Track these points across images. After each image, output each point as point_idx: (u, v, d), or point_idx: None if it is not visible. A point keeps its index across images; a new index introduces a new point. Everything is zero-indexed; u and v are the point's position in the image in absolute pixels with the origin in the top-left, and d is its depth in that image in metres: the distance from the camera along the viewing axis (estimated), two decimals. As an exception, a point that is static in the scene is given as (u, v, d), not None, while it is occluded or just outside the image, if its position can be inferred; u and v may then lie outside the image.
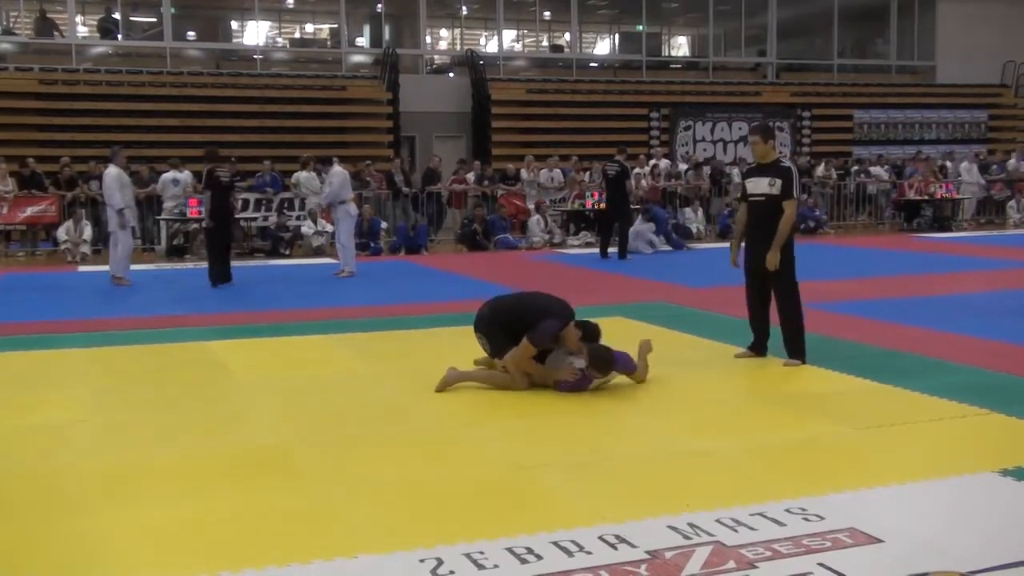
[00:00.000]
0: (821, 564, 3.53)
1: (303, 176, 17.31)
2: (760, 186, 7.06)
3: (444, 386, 6.26)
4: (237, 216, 14.08)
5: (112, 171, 12.36)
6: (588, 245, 17.39)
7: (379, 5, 24.84)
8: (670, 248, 16.57)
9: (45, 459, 5.02)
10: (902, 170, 22.12)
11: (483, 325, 6.48)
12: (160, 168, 17.21)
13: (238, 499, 4.34)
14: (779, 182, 6.96)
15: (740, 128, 24.10)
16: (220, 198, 12.25)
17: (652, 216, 16.58)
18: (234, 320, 9.53)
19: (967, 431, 5.35)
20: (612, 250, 15.36)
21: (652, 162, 20.66)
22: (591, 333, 6.20)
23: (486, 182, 19.08)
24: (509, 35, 27.99)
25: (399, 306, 10.46)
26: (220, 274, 12.14)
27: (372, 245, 16.52)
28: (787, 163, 7.32)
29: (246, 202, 16.76)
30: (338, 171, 13.28)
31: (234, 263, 13.02)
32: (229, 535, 3.92)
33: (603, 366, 6.09)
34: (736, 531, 3.84)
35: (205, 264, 14.89)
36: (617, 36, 29.51)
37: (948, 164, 22.24)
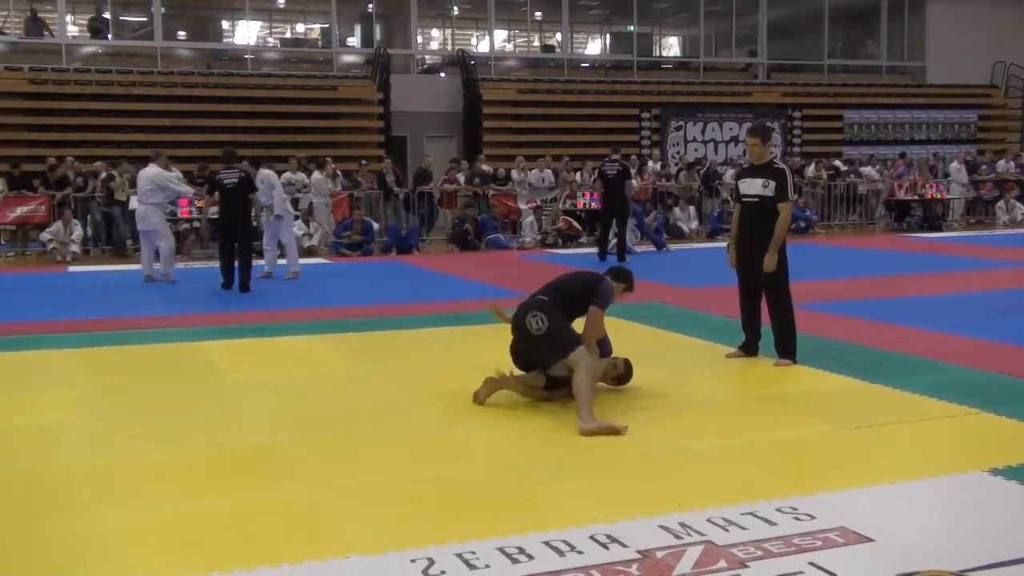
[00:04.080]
0: (812, 563, 3.54)
1: (316, 178, 17.38)
2: (754, 187, 7.07)
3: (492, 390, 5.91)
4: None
5: (151, 171, 12.53)
6: (580, 246, 17.38)
7: (370, 5, 24.83)
8: (652, 247, 16.47)
9: (35, 459, 5.00)
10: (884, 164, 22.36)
11: (541, 306, 5.77)
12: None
13: (229, 499, 4.33)
14: (772, 183, 6.96)
15: (731, 128, 24.16)
16: (224, 202, 11.74)
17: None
18: (224, 320, 9.51)
19: (957, 430, 5.37)
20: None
21: (649, 164, 20.70)
22: (630, 280, 6.23)
23: (476, 180, 19.07)
24: (500, 35, 28.00)
25: (390, 306, 10.45)
26: (224, 279, 11.68)
27: (364, 246, 16.49)
28: (780, 164, 7.31)
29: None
30: (271, 174, 13.03)
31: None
32: (220, 535, 3.92)
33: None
34: (727, 530, 3.85)
35: (195, 264, 14.90)
36: (608, 36, 29.55)
37: (939, 164, 22.35)
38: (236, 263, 11.64)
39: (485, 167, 19.42)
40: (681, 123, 24.12)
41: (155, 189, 12.53)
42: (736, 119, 24.13)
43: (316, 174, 17.44)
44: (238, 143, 19.44)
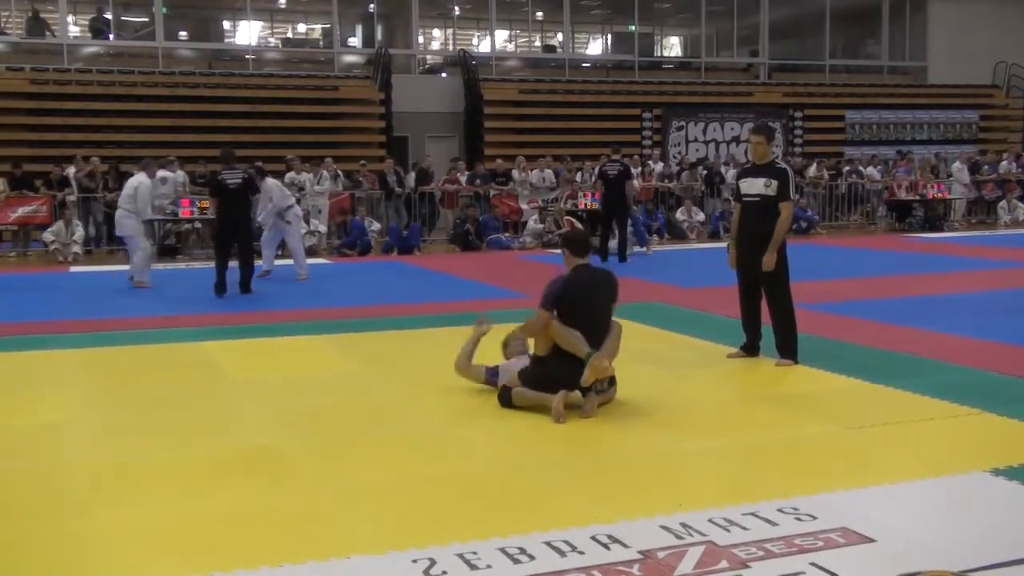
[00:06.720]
0: (813, 564, 3.54)
1: (305, 178, 17.41)
2: (755, 187, 7.07)
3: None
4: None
5: (135, 180, 12.45)
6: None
7: (371, 5, 24.84)
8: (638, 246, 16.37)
9: (37, 459, 5.00)
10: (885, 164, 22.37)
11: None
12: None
13: (231, 499, 4.33)
14: (775, 183, 6.96)
15: (732, 128, 24.14)
16: (225, 203, 11.53)
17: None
18: (226, 320, 9.51)
19: (959, 431, 5.37)
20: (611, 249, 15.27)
21: (651, 165, 20.69)
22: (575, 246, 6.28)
23: (478, 181, 19.06)
24: (501, 35, 28.01)
25: (390, 306, 10.45)
26: (217, 284, 11.34)
27: (359, 244, 16.49)
28: (782, 164, 7.32)
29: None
30: (273, 183, 13.01)
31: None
32: (221, 535, 3.92)
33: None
34: (728, 531, 3.85)
35: (196, 264, 14.90)
36: (609, 36, 29.55)
37: (940, 164, 22.36)
38: (235, 264, 11.56)
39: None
40: (682, 123, 24.11)
41: (133, 197, 12.43)
42: (738, 119, 24.11)
43: (309, 175, 17.46)
44: (239, 143, 19.47)
